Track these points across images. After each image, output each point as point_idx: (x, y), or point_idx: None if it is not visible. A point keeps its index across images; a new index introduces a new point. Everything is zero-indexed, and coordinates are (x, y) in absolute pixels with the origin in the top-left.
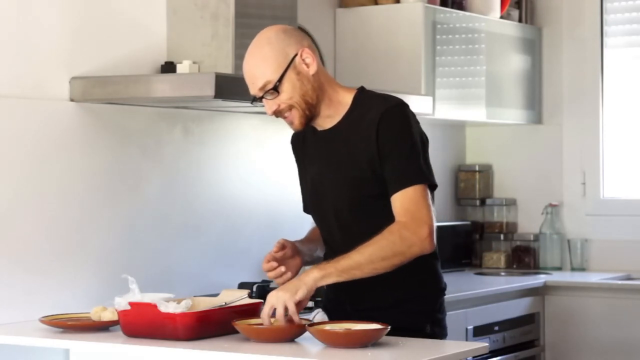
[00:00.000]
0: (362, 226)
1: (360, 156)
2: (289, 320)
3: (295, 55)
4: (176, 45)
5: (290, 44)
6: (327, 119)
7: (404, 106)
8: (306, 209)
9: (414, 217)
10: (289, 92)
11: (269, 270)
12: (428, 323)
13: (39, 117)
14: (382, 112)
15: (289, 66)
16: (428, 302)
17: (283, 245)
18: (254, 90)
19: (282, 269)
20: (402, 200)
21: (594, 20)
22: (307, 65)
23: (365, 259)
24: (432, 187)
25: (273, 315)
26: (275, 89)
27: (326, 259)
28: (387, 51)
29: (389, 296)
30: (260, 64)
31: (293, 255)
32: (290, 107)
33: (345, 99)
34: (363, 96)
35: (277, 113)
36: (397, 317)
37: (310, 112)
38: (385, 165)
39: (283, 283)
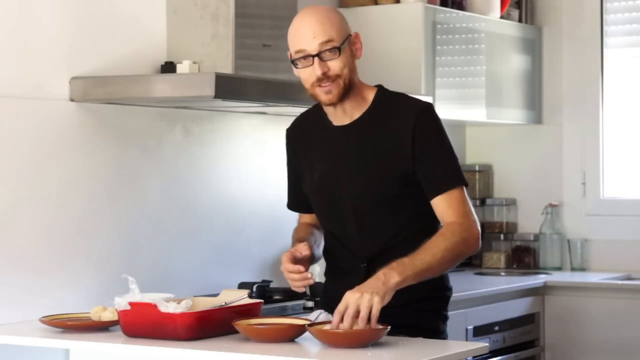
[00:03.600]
0: (383, 224)
1: (390, 156)
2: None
3: (350, 35)
4: (176, 45)
5: (346, 23)
6: (347, 114)
7: (433, 108)
8: (291, 205)
9: (468, 218)
10: (344, 61)
11: (295, 272)
12: (440, 321)
13: (39, 117)
14: (417, 114)
15: (347, 38)
16: (439, 301)
17: (309, 249)
18: (312, 45)
19: (309, 274)
20: (450, 202)
21: (594, 20)
22: (357, 49)
23: (437, 261)
24: None
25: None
26: (338, 50)
27: (328, 255)
28: (387, 51)
29: (403, 295)
30: (327, 22)
31: (305, 261)
32: (337, 77)
33: (367, 96)
34: (385, 95)
35: (323, 79)
36: (411, 315)
37: (347, 92)
38: (423, 166)
39: (301, 286)
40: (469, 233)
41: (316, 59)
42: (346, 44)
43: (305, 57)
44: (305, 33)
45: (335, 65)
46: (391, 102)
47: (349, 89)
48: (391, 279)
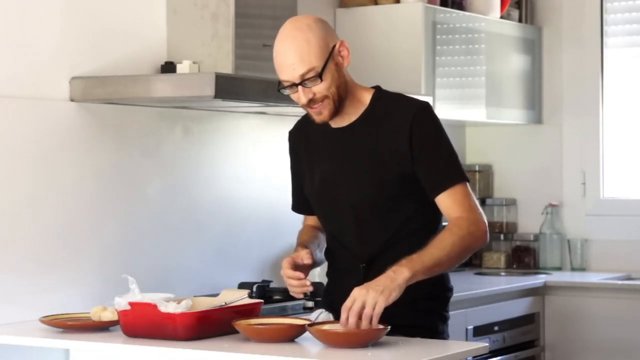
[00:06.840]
0: (382, 224)
1: (388, 156)
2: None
3: (334, 46)
4: (176, 45)
5: (329, 34)
6: (345, 117)
7: (431, 107)
8: (295, 207)
9: (474, 212)
10: (328, 82)
11: (295, 279)
12: (440, 321)
13: (39, 117)
14: (414, 113)
15: (330, 55)
16: (439, 301)
17: (311, 258)
18: (293, 75)
19: (308, 282)
20: (454, 197)
21: (594, 20)
22: (343, 57)
23: (445, 255)
24: None
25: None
26: (319, 76)
27: (329, 255)
28: (387, 51)
29: (404, 294)
30: (305, 49)
31: (306, 268)
32: (324, 98)
33: (364, 98)
34: (382, 96)
35: (311, 102)
36: (411, 315)
37: (340, 106)
38: (423, 165)
39: (299, 293)
40: (476, 227)
41: (300, 87)
42: (330, 61)
43: (290, 86)
44: (285, 64)
45: (320, 89)
46: (388, 102)
47: (342, 102)
48: (400, 275)
